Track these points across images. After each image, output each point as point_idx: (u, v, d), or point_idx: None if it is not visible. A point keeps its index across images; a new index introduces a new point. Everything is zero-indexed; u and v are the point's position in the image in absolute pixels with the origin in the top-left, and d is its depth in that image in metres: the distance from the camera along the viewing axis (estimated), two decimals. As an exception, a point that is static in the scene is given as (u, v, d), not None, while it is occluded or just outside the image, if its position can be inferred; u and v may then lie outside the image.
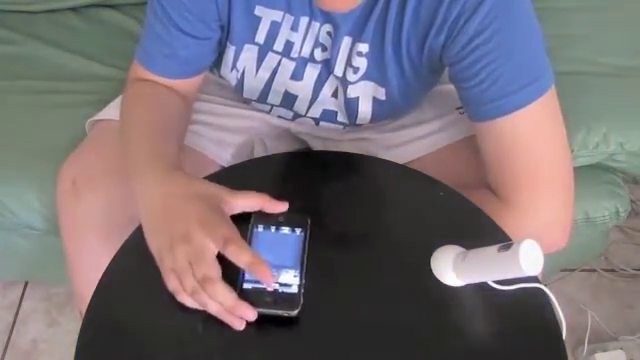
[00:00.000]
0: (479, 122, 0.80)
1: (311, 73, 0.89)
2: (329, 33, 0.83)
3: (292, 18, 0.83)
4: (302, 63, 0.88)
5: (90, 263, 0.87)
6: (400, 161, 0.91)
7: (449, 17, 0.73)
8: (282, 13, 0.83)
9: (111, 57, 1.26)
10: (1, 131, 1.14)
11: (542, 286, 0.67)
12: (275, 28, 0.85)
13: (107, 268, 0.70)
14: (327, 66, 0.88)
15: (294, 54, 0.87)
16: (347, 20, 0.81)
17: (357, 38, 0.82)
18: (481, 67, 0.74)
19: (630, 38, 1.19)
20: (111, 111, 1.02)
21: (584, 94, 1.09)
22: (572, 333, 1.40)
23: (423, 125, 0.99)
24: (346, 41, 0.83)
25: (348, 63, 0.85)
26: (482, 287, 0.67)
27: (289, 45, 0.86)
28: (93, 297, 0.68)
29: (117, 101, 1.04)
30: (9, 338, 1.44)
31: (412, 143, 0.99)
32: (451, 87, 0.85)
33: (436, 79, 0.94)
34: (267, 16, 0.84)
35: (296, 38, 0.85)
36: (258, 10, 0.83)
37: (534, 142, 0.78)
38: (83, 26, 1.33)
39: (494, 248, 0.62)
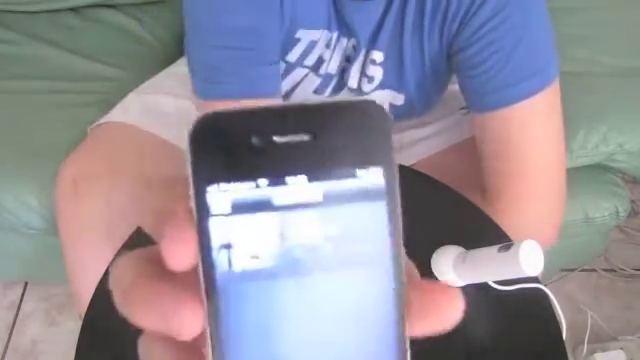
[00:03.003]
0: (481, 113, 0.80)
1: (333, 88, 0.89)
2: (354, 47, 0.83)
3: (329, 35, 0.82)
4: (327, 79, 0.88)
5: (89, 264, 0.87)
6: (404, 164, 0.91)
7: (462, 5, 0.73)
8: (321, 31, 0.82)
9: (111, 57, 1.26)
10: (1, 131, 1.14)
11: (542, 286, 0.68)
12: (311, 46, 0.84)
13: (107, 269, 0.70)
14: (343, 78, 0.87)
15: (322, 71, 0.86)
16: (363, 29, 0.80)
17: (371, 46, 0.82)
18: (490, 54, 0.74)
19: (630, 38, 1.19)
20: (115, 114, 1.02)
21: (584, 94, 1.09)
22: (572, 333, 1.40)
23: (426, 127, 1.00)
24: (362, 51, 0.83)
25: (362, 73, 0.85)
26: (482, 287, 0.67)
27: (320, 61, 0.85)
28: (93, 298, 0.68)
29: (121, 105, 1.05)
30: (9, 338, 1.43)
31: (415, 145, 0.99)
32: (454, 88, 0.85)
33: (449, 78, 0.94)
34: (307, 37, 0.82)
35: (328, 55, 0.84)
36: (300, 33, 0.82)
37: (532, 136, 0.78)
38: (83, 26, 1.33)
39: (494, 248, 0.62)
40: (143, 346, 0.22)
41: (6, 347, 1.42)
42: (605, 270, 1.55)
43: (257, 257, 0.21)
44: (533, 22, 0.74)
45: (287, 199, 0.21)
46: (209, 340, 0.21)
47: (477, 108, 0.80)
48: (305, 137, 0.21)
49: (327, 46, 0.83)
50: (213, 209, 0.20)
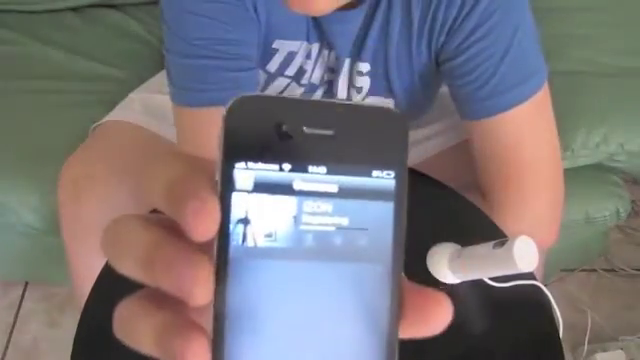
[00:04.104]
0: (472, 121, 0.80)
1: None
2: (337, 58, 0.83)
3: (310, 46, 0.82)
4: (311, 89, 0.87)
5: (90, 263, 0.87)
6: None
7: (449, 15, 0.73)
8: (299, 42, 0.81)
9: (111, 57, 1.26)
10: (1, 131, 1.14)
11: (538, 283, 0.68)
12: (291, 57, 0.83)
13: (104, 267, 0.70)
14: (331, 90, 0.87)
15: (304, 81, 0.86)
16: (342, 40, 0.80)
17: (356, 58, 0.81)
18: (478, 63, 0.74)
19: (630, 38, 1.19)
20: (116, 114, 1.02)
21: (584, 94, 1.09)
22: (572, 333, 1.40)
23: (424, 129, 0.99)
24: (346, 62, 0.82)
25: (351, 84, 0.84)
26: (478, 284, 0.67)
27: (301, 72, 0.85)
28: (90, 296, 0.68)
29: (122, 104, 1.05)
30: (9, 338, 1.43)
31: (415, 147, 0.98)
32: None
33: (439, 84, 0.94)
34: (285, 48, 0.82)
35: (309, 66, 0.84)
36: (277, 43, 0.81)
37: (525, 140, 0.78)
38: (83, 26, 1.33)
39: (489, 245, 0.62)
40: (125, 314, 0.23)
41: (6, 347, 1.42)
42: (605, 270, 1.55)
43: (270, 236, 0.22)
44: (520, 30, 0.74)
45: (306, 186, 0.22)
46: (212, 311, 0.22)
47: (468, 116, 0.80)
48: (330, 132, 0.22)
49: (307, 57, 0.83)
50: (237, 185, 0.22)
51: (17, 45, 1.28)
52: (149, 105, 1.02)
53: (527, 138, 0.78)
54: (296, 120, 0.22)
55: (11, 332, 1.44)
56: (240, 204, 0.22)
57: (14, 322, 1.46)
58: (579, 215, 1.12)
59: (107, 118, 1.03)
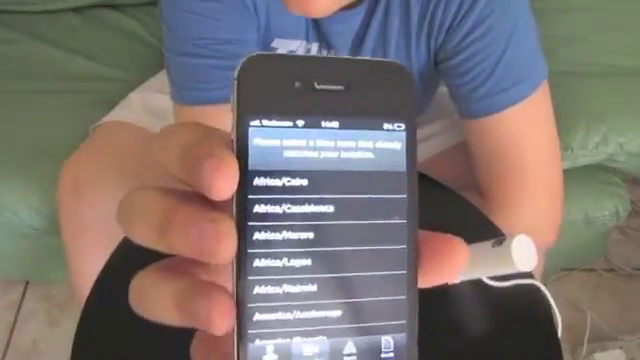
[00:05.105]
0: (470, 120, 0.80)
1: None
2: None
3: (309, 45, 0.82)
4: None
5: (91, 263, 0.87)
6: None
7: (448, 14, 0.73)
8: (299, 42, 0.82)
9: (111, 57, 1.27)
10: (1, 131, 1.14)
11: (537, 282, 0.67)
12: None
13: (104, 266, 0.70)
14: None
15: None
16: (341, 41, 0.80)
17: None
18: (475, 63, 0.74)
19: (630, 38, 1.19)
20: (116, 114, 1.02)
21: (584, 94, 1.09)
22: (572, 333, 1.40)
23: (424, 128, 0.99)
24: None
25: None
26: (478, 284, 0.67)
27: None
28: (90, 296, 0.68)
29: (122, 104, 1.05)
30: (9, 338, 1.43)
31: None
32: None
33: (438, 84, 0.94)
34: (284, 47, 0.82)
35: None
36: (276, 42, 0.82)
37: (523, 140, 0.78)
38: (83, 26, 1.34)
39: (488, 244, 0.62)
40: (142, 284, 0.23)
41: (6, 347, 1.42)
42: (605, 270, 1.55)
43: (288, 192, 0.22)
44: (518, 29, 0.74)
45: (320, 141, 0.23)
46: (234, 270, 0.22)
47: (466, 115, 0.80)
48: (341, 87, 0.23)
49: None
50: (253, 142, 0.22)
51: (17, 45, 1.29)
52: (149, 105, 1.02)
53: (525, 138, 0.78)
54: (307, 76, 0.23)
55: (11, 332, 1.44)
56: (257, 161, 0.22)
57: (14, 322, 1.46)
58: (579, 215, 1.12)
59: (107, 118, 1.03)
